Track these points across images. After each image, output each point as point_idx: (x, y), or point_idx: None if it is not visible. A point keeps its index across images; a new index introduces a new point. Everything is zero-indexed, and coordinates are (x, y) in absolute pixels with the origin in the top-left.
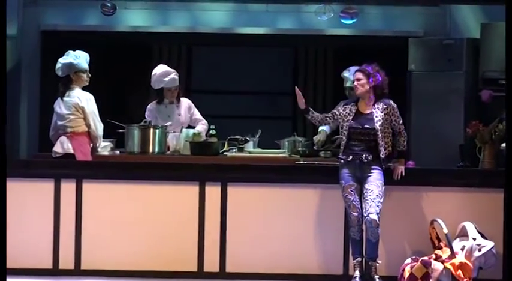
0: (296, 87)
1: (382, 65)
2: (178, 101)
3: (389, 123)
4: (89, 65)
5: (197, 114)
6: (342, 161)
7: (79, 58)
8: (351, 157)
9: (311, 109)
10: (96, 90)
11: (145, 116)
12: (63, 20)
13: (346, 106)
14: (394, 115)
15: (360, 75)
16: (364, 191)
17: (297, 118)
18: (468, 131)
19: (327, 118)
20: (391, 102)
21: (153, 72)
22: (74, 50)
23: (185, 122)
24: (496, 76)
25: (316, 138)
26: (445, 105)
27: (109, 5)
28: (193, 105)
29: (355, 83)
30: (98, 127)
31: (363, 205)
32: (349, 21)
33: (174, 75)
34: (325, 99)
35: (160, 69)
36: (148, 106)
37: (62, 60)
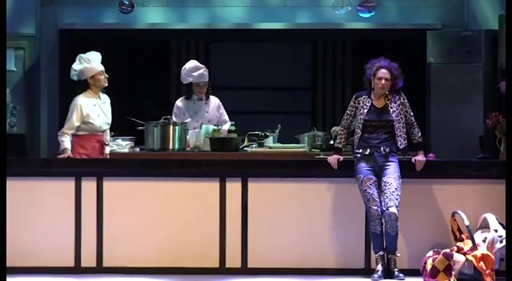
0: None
1: (400, 58)
2: (207, 98)
3: (404, 114)
4: (108, 63)
5: (225, 115)
6: (359, 155)
7: (92, 61)
8: (368, 150)
9: (342, 146)
10: (114, 88)
11: (173, 112)
12: (81, 18)
13: (359, 99)
14: (405, 106)
15: (387, 74)
16: (382, 185)
17: (317, 112)
18: (488, 122)
19: (350, 122)
20: (401, 92)
21: (183, 67)
22: (91, 49)
23: (212, 119)
24: None
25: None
26: (464, 97)
27: (127, 2)
28: (222, 105)
29: (384, 82)
30: (65, 125)
31: (382, 199)
32: (367, 15)
33: (203, 70)
34: (344, 93)
35: (190, 64)
36: (177, 102)
37: (75, 66)
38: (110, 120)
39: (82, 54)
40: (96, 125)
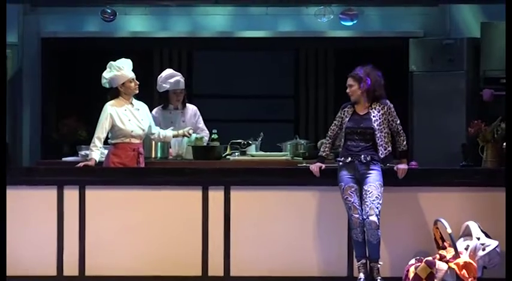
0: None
1: (383, 66)
2: (184, 106)
3: (387, 123)
4: (90, 72)
5: (201, 123)
6: (341, 163)
7: (122, 69)
8: (349, 158)
9: (326, 155)
10: (97, 96)
11: None
12: (63, 27)
13: (345, 109)
14: (391, 115)
15: (350, 81)
16: (363, 193)
17: (299, 121)
18: (470, 130)
19: (336, 132)
20: (387, 101)
21: (159, 76)
22: (73, 58)
23: None
24: (497, 75)
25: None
26: (447, 105)
27: (109, 11)
28: (199, 113)
29: (348, 90)
30: (95, 133)
31: (363, 207)
32: (349, 23)
33: (179, 77)
34: (327, 101)
35: (166, 72)
36: (153, 112)
37: (106, 74)
38: (144, 126)
39: (112, 62)
40: (126, 129)
